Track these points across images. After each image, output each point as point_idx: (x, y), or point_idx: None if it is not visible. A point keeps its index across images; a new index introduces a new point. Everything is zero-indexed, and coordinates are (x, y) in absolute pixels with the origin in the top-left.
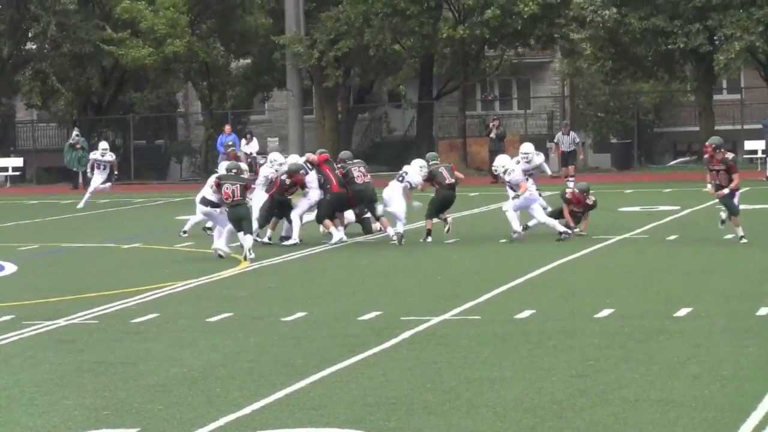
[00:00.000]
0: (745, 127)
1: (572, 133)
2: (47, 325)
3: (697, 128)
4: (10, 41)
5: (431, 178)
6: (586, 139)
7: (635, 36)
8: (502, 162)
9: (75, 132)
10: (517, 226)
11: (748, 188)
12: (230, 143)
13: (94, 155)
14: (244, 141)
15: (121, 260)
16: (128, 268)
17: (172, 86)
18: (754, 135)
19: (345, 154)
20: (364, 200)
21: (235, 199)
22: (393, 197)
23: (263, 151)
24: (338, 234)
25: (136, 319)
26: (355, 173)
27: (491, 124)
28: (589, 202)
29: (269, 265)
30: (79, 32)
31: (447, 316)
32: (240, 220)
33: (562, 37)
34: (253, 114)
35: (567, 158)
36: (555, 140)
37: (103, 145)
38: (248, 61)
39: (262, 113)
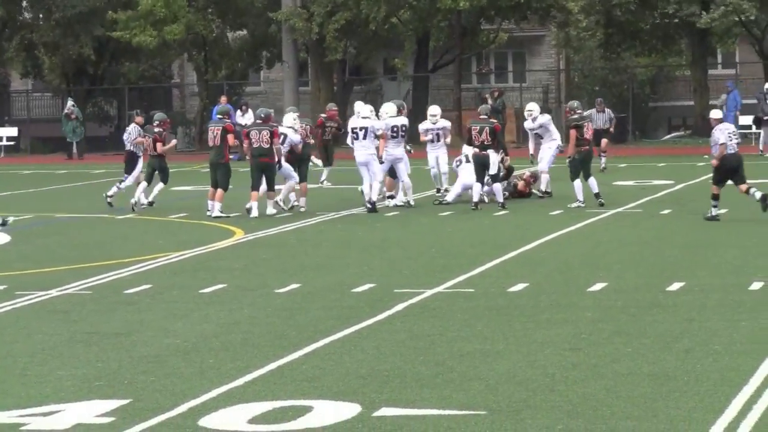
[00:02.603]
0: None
1: (607, 111)
2: (40, 296)
3: (692, 103)
4: (3, 9)
5: None
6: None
7: (629, 8)
8: (532, 107)
9: (70, 102)
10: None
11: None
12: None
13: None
14: (239, 112)
15: (115, 231)
16: (122, 238)
17: (168, 58)
18: (750, 110)
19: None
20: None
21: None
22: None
23: None
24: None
25: (130, 290)
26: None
27: (486, 96)
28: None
29: (264, 236)
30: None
31: (440, 288)
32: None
33: (558, 9)
34: (249, 85)
35: (600, 136)
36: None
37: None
38: (244, 32)
39: (257, 84)
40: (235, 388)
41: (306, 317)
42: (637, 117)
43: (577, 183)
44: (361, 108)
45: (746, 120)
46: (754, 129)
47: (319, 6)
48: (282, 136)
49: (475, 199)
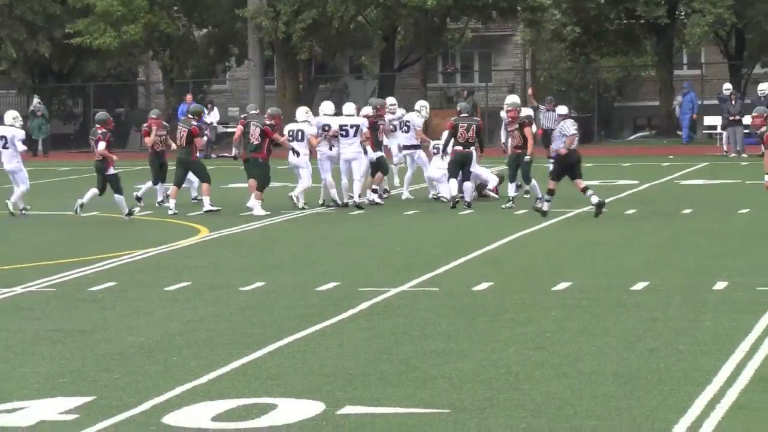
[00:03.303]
0: (705, 102)
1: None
2: (4, 293)
3: (657, 103)
4: None
5: None
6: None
7: (599, 3)
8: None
9: (36, 100)
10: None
11: (707, 163)
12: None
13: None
14: (205, 110)
15: (79, 228)
16: (86, 236)
17: (129, 61)
18: (715, 110)
19: (249, 106)
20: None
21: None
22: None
23: (224, 121)
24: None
25: (94, 288)
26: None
27: (453, 95)
28: (522, 114)
29: (228, 234)
30: (34, 3)
31: (405, 287)
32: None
33: (525, 9)
34: (214, 83)
35: (549, 137)
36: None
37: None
38: (210, 29)
39: (223, 83)
40: (199, 386)
41: (270, 315)
42: (603, 117)
43: (534, 182)
44: (347, 107)
45: (714, 120)
46: (718, 129)
47: (285, 5)
48: (299, 133)
49: (453, 193)
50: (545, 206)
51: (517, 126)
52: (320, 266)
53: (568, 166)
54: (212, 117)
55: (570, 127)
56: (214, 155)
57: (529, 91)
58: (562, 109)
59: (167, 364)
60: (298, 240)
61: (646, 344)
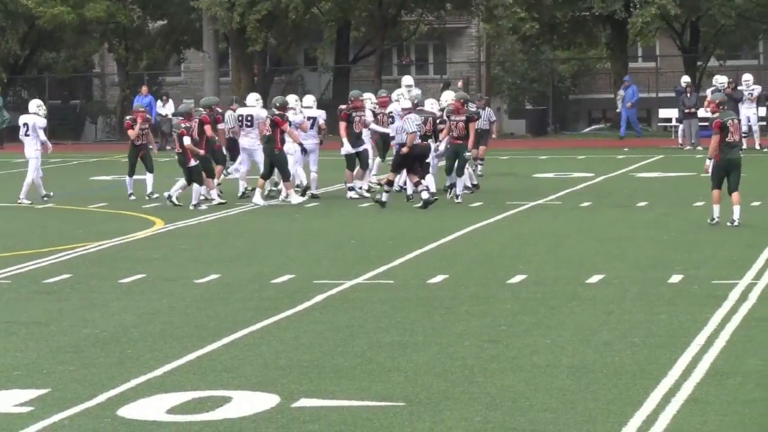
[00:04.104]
0: (660, 95)
1: (488, 109)
2: None
3: (612, 95)
4: None
5: None
6: (501, 105)
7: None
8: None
9: None
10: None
11: (662, 156)
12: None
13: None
14: (160, 102)
15: (35, 220)
16: (41, 228)
17: (89, 47)
18: (670, 103)
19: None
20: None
21: None
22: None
23: (179, 113)
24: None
25: (49, 280)
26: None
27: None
28: (472, 108)
29: (184, 226)
30: None
31: (360, 280)
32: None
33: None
34: (169, 75)
35: (479, 138)
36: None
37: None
38: (164, 22)
39: (178, 75)
40: (154, 379)
41: (225, 308)
42: (558, 109)
43: (464, 177)
44: (307, 100)
45: (669, 113)
46: (674, 122)
47: None
48: (249, 118)
49: (408, 192)
50: (384, 197)
51: (463, 118)
52: (275, 258)
53: (416, 158)
54: (168, 109)
55: (412, 124)
56: (168, 147)
57: (459, 83)
58: (405, 104)
59: (122, 357)
60: (253, 232)
61: (601, 337)
